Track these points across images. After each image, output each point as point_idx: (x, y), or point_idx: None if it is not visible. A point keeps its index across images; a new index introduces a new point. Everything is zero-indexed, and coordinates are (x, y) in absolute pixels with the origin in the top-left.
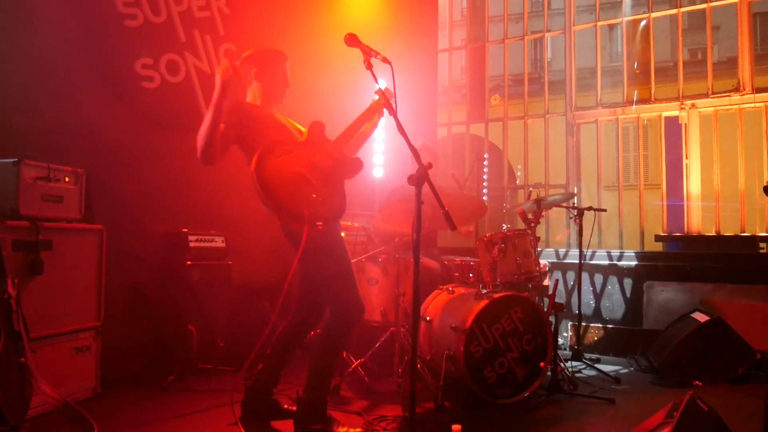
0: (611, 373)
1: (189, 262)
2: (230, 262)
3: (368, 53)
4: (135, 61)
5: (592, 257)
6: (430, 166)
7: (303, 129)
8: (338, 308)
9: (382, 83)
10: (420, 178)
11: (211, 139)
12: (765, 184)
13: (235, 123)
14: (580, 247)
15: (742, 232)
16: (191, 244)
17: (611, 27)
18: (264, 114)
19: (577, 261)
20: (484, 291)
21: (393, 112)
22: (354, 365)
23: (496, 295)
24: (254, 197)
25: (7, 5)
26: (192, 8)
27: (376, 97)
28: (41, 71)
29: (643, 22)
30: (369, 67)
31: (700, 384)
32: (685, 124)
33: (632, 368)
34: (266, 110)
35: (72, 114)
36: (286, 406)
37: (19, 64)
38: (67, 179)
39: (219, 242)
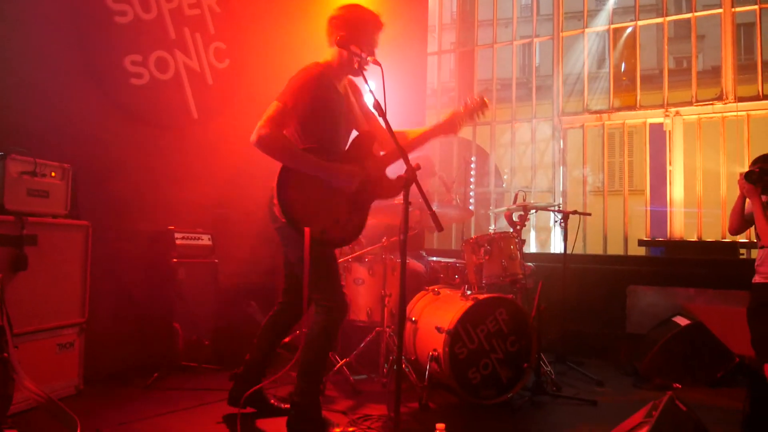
0: (594, 376)
1: (175, 260)
2: (216, 260)
3: (359, 55)
4: (124, 58)
5: (576, 260)
6: (418, 167)
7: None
8: (326, 307)
9: (372, 84)
10: (408, 179)
11: None
12: (746, 169)
13: (299, 105)
14: (564, 250)
15: (723, 239)
16: (177, 242)
17: (599, 33)
18: (332, 98)
19: (561, 264)
20: (470, 292)
21: (383, 114)
22: (339, 365)
23: (481, 297)
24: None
25: None
26: (182, 6)
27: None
28: (29, 67)
29: (629, 29)
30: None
31: (680, 387)
32: (669, 131)
33: (615, 371)
34: (337, 89)
35: (60, 109)
36: (273, 402)
37: (7, 59)
38: (53, 174)
39: (205, 240)
